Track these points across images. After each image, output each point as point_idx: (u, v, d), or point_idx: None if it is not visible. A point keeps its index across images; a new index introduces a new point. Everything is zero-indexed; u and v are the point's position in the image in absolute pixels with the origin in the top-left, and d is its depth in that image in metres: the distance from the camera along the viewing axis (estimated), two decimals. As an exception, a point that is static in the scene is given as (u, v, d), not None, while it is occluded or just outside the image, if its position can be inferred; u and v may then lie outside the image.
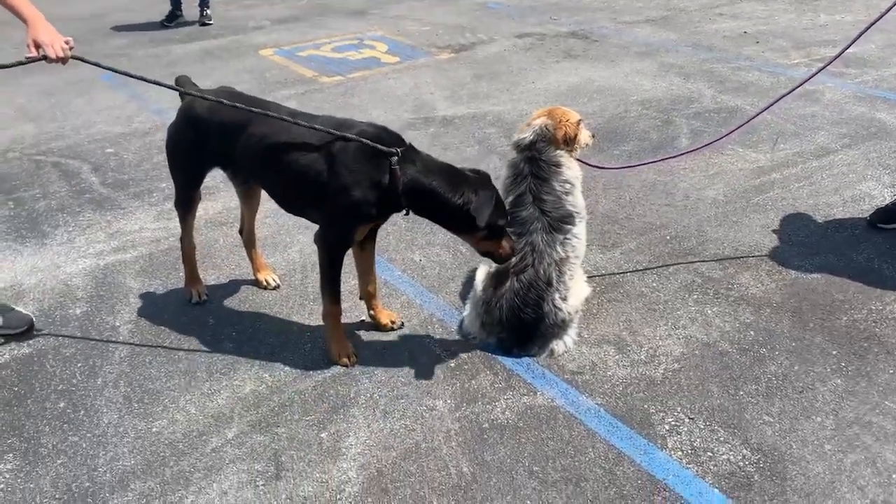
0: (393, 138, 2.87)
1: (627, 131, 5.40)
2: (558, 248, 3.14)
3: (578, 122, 3.31)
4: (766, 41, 7.40)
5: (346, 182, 2.80)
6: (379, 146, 2.78)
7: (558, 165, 3.22)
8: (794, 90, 3.93)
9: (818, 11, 8.39)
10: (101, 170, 5.09)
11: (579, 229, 3.25)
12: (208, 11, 8.77)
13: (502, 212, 2.88)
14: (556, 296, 3.11)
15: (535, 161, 3.21)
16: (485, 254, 2.96)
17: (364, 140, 2.78)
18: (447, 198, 2.79)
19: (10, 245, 4.17)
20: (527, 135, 3.24)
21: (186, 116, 3.18)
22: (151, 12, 9.19)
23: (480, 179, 2.86)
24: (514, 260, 3.09)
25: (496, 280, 3.16)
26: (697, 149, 4.40)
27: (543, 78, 6.61)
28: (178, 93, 3.33)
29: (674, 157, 4.49)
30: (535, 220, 3.15)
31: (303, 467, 2.65)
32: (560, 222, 3.17)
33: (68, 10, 9.77)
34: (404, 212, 2.89)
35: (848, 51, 4.03)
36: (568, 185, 3.23)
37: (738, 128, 4.17)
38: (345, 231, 2.93)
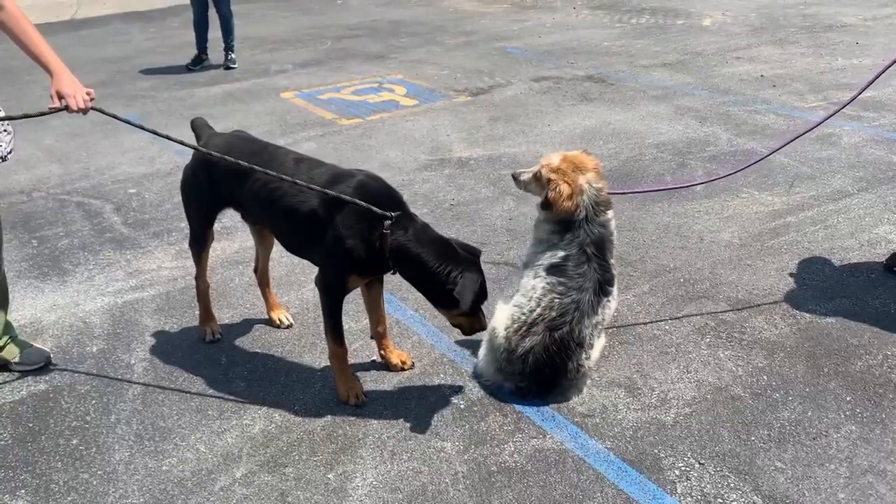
0: (393, 202, 2.93)
1: (642, 174, 5.42)
2: (599, 312, 3.09)
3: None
4: (782, 85, 7.43)
5: (339, 234, 2.87)
6: (373, 208, 2.83)
7: (611, 235, 3.17)
8: (805, 133, 3.94)
9: (836, 55, 8.42)
10: (122, 209, 5.20)
11: (615, 293, 3.20)
12: (233, 55, 8.99)
13: (484, 294, 2.92)
14: (583, 355, 3.08)
15: (589, 226, 3.08)
16: (456, 325, 3.01)
17: (359, 202, 2.84)
18: (432, 271, 2.83)
19: (32, 282, 4.26)
20: (580, 199, 3.07)
21: (200, 159, 3.27)
22: (178, 56, 9.44)
23: (469, 259, 2.90)
24: (553, 314, 3.03)
25: (524, 329, 3.06)
26: (697, 184, 4.41)
27: (559, 121, 6.68)
28: (195, 136, 3.42)
29: (677, 188, 4.47)
30: (588, 279, 3.05)
31: (309, 508, 2.65)
32: (607, 285, 3.11)
33: (99, 52, 10.07)
34: (392, 271, 2.94)
35: (866, 94, 4.05)
36: (614, 251, 3.19)
37: (744, 168, 4.18)
38: (338, 277, 2.99)
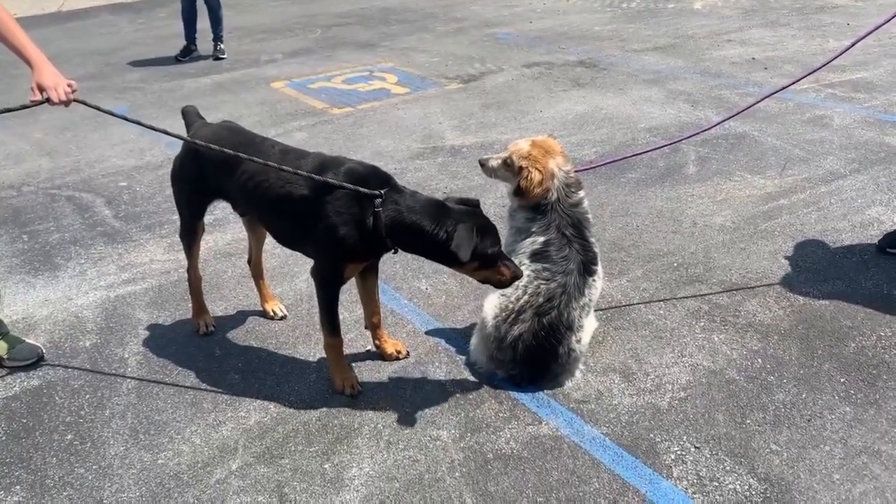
0: (379, 179, 2.88)
1: (635, 159, 5.39)
2: (586, 293, 3.09)
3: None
4: (774, 67, 7.42)
5: (331, 223, 2.83)
6: (361, 189, 2.80)
7: (586, 213, 3.17)
8: (764, 98, 4.10)
9: (827, 37, 8.41)
10: (113, 203, 5.17)
11: (600, 272, 3.21)
12: (222, 46, 8.93)
13: (491, 240, 2.80)
14: (573, 339, 3.08)
15: (562, 208, 3.10)
16: (484, 281, 2.90)
17: (347, 185, 2.81)
18: (430, 234, 2.77)
19: (24, 278, 4.23)
20: (551, 183, 3.09)
21: (190, 149, 3.25)
22: (166, 47, 9.37)
23: (465, 211, 2.83)
24: (540, 300, 3.03)
25: (512, 317, 3.06)
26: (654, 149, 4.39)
27: (551, 106, 6.65)
28: (185, 124, 3.41)
29: (625, 157, 4.43)
30: (570, 261, 3.06)
31: (306, 499, 2.65)
32: (590, 264, 3.12)
33: (87, 45, 10.00)
34: (392, 251, 2.91)
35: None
36: (593, 230, 3.19)
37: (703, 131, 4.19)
38: (334, 268, 2.96)
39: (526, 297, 3.04)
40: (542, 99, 6.88)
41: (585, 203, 3.20)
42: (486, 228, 2.81)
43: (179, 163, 3.34)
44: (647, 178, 5.08)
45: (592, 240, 3.18)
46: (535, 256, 3.09)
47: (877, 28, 3.61)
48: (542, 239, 3.10)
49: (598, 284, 3.21)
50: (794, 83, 4.02)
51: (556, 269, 3.05)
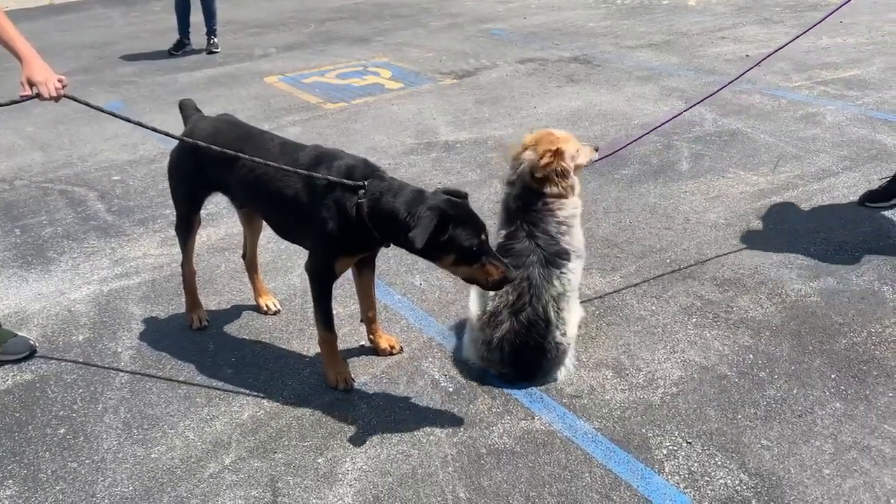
0: (367, 170, 2.85)
1: (628, 155, 5.42)
2: (556, 283, 3.05)
3: (562, 152, 3.10)
4: (767, 64, 7.38)
5: (321, 216, 2.83)
6: (344, 181, 2.77)
7: (551, 210, 3.10)
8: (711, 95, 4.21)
9: (820, 34, 8.41)
10: (106, 197, 5.15)
11: (575, 265, 3.14)
12: (215, 40, 8.89)
13: (468, 233, 2.59)
14: (557, 333, 3.07)
15: (526, 208, 3.09)
16: (467, 280, 2.73)
17: (329, 178, 2.79)
18: (402, 220, 2.63)
19: (16, 272, 4.22)
20: (513, 177, 3.13)
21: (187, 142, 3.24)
22: (159, 41, 9.33)
23: (445, 200, 2.66)
24: (511, 298, 3.01)
25: (494, 319, 3.06)
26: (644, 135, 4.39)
27: (546, 102, 6.66)
28: (182, 117, 3.41)
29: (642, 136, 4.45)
30: (530, 253, 3.04)
31: (299, 493, 2.66)
32: (556, 257, 3.08)
33: (79, 38, 9.94)
34: (385, 244, 2.88)
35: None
36: (563, 227, 3.11)
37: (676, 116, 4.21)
38: (326, 262, 2.95)
39: (497, 298, 3.05)
40: (537, 95, 6.88)
41: (560, 208, 3.11)
42: (459, 219, 2.59)
43: (176, 156, 3.34)
44: (641, 175, 5.10)
45: (565, 237, 3.10)
46: (500, 251, 3.02)
47: (828, 16, 3.70)
48: (504, 232, 3.14)
49: (573, 276, 3.12)
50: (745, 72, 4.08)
51: (517, 262, 3.00)
